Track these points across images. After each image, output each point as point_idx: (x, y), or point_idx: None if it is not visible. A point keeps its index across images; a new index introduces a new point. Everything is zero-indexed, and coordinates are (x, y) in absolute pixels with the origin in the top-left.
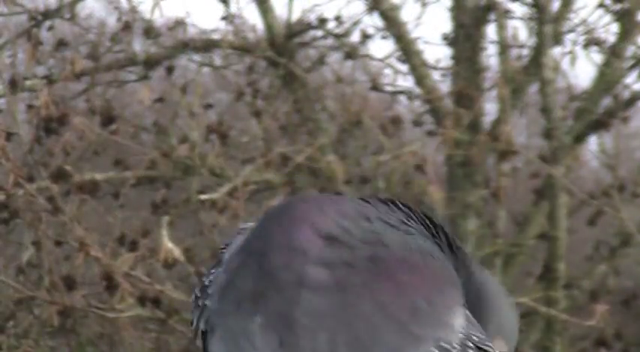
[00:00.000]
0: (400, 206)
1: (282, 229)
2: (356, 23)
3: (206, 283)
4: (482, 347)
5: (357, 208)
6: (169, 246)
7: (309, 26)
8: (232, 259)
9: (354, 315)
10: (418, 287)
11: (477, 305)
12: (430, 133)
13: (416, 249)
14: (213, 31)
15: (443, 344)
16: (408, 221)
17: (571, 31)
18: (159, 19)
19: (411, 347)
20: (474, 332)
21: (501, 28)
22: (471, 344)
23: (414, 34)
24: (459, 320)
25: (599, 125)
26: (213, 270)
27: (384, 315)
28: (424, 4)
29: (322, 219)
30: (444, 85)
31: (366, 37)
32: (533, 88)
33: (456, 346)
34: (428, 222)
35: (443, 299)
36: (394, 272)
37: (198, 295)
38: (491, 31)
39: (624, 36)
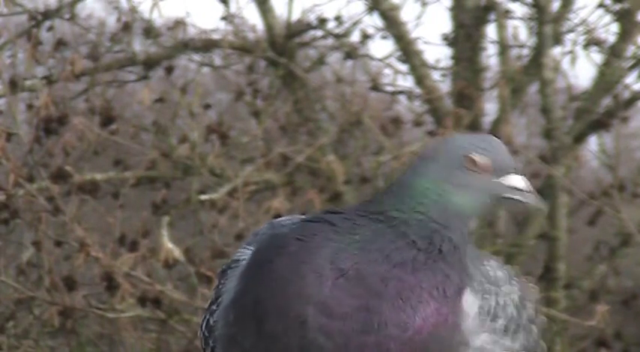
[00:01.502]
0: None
1: (271, 290)
2: (356, 23)
3: (212, 323)
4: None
5: (337, 249)
6: (169, 246)
7: (309, 26)
8: (228, 311)
9: None
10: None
11: None
12: (430, 133)
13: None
14: (213, 31)
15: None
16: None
17: (571, 31)
18: (159, 19)
19: None
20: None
21: (501, 28)
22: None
23: (414, 34)
24: (476, 321)
25: (599, 125)
26: (215, 306)
27: None
28: (424, 4)
29: (310, 278)
30: (444, 85)
31: (366, 37)
32: (533, 88)
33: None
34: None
35: (454, 311)
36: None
37: (207, 334)
38: (491, 31)
39: (624, 36)
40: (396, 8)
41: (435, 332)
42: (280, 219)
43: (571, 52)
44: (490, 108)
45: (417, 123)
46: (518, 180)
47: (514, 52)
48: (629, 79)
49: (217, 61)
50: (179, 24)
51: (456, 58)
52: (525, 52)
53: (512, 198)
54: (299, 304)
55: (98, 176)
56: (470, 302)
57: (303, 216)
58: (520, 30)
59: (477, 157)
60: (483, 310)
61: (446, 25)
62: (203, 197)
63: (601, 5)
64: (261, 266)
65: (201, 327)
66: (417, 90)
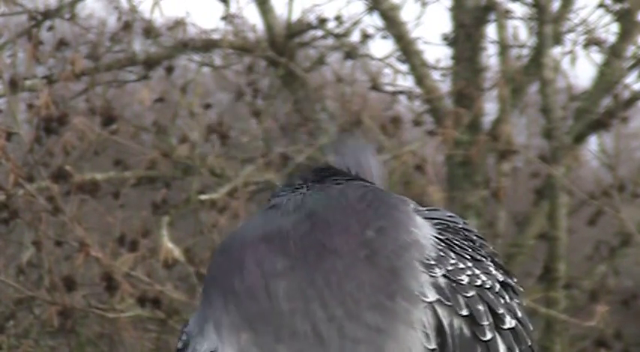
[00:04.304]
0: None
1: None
2: (356, 23)
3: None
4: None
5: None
6: (169, 246)
7: (309, 26)
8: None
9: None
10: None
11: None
12: (430, 133)
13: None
14: (213, 31)
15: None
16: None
17: (571, 31)
18: (159, 19)
19: (398, 287)
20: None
21: (501, 28)
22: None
23: (414, 34)
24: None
25: (599, 125)
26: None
27: (355, 286)
28: (424, 4)
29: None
30: (444, 85)
31: (366, 37)
32: (533, 88)
33: (432, 241)
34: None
35: (393, 225)
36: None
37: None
38: (491, 31)
39: (624, 36)
40: (396, 8)
41: (384, 232)
42: None
43: (571, 52)
44: (490, 108)
45: (417, 123)
46: None
47: (514, 52)
48: (629, 79)
49: (217, 61)
50: (179, 24)
51: (456, 58)
52: (525, 52)
53: None
54: (251, 275)
55: (98, 176)
56: (420, 221)
57: None
58: (520, 30)
59: None
60: (442, 245)
61: (446, 25)
62: (203, 197)
63: (601, 5)
64: (210, 267)
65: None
66: (417, 90)
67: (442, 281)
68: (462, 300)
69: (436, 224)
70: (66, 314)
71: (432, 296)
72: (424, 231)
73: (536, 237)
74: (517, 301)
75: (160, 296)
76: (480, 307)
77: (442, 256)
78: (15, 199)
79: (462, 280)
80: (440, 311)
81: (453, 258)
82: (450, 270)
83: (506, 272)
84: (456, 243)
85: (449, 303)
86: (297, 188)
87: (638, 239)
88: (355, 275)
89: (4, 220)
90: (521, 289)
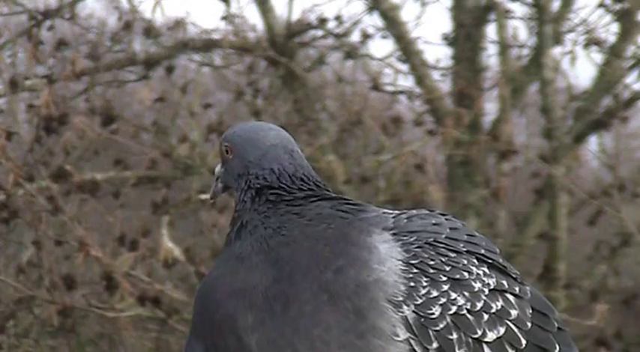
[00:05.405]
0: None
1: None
2: (356, 23)
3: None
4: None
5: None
6: (169, 245)
7: (309, 26)
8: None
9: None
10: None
11: None
12: (430, 133)
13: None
14: (213, 30)
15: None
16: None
17: (571, 31)
18: (159, 18)
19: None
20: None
21: (501, 28)
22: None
23: (414, 34)
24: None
25: (599, 125)
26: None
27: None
28: (424, 4)
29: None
30: (444, 85)
31: (366, 37)
32: (533, 88)
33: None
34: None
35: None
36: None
37: None
38: (491, 31)
39: (624, 36)
40: (396, 8)
41: (343, 272)
42: None
43: (571, 52)
44: (490, 108)
45: (417, 123)
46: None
47: (514, 52)
48: (629, 79)
49: (217, 61)
50: (179, 24)
51: (456, 58)
52: (525, 52)
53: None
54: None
55: (98, 175)
56: (385, 240)
57: None
58: (520, 30)
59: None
60: (414, 267)
61: (446, 25)
62: (203, 196)
63: (601, 5)
64: (193, 317)
65: None
66: (417, 90)
67: (411, 317)
68: (431, 334)
69: (413, 241)
70: (66, 313)
71: (402, 334)
72: (389, 265)
73: (536, 237)
74: (514, 301)
75: (159, 295)
76: (453, 335)
77: (412, 287)
78: (15, 199)
79: (433, 313)
80: (413, 345)
81: (424, 286)
82: (420, 304)
83: (502, 272)
84: (432, 263)
85: (417, 339)
86: (256, 226)
87: (638, 239)
88: (321, 318)
89: (4, 220)
90: (525, 288)
